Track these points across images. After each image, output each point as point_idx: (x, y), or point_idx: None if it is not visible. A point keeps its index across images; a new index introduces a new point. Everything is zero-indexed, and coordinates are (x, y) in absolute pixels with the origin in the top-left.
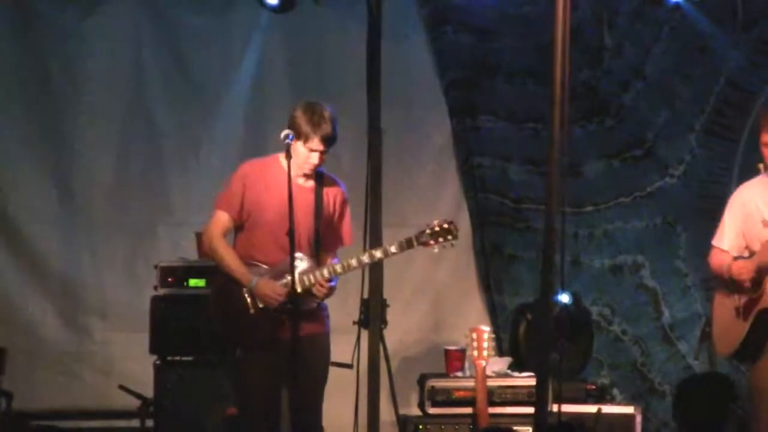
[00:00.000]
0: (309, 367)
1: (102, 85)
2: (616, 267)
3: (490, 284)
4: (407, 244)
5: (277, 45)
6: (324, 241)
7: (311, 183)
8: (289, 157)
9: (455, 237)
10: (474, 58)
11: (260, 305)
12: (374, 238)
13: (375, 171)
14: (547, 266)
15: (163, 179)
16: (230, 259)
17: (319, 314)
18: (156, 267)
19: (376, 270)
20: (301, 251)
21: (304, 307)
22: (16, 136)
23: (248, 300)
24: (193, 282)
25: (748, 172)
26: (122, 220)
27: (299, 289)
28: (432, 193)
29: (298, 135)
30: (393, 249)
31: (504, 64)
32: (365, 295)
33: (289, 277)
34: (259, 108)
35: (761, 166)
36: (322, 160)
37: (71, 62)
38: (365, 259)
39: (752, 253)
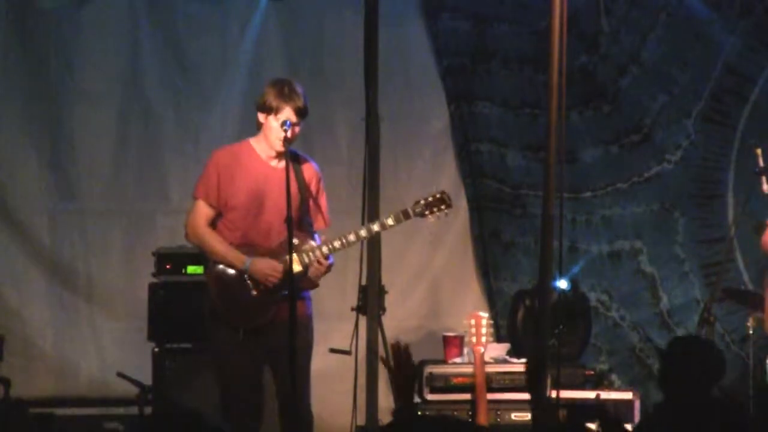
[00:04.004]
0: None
1: (99, 72)
2: (614, 253)
3: (488, 270)
4: (404, 216)
5: (274, 31)
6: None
7: (284, 163)
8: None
9: (449, 206)
10: (471, 44)
11: (261, 286)
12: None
13: (373, 157)
14: (545, 252)
15: (161, 166)
16: (220, 246)
17: (301, 298)
18: (154, 254)
19: (374, 256)
20: (286, 231)
21: (301, 285)
22: (13, 124)
23: (248, 282)
24: (191, 269)
25: (746, 157)
26: (120, 208)
27: (299, 267)
28: (430, 179)
29: (269, 109)
30: (390, 221)
31: (501, 50)
32: (363, 282)
33: (287, 256)
34: (256, 95)
35: (759, 150)
36: (294, 133)
37: (68, 50)
38: (363, 233)
39: None
